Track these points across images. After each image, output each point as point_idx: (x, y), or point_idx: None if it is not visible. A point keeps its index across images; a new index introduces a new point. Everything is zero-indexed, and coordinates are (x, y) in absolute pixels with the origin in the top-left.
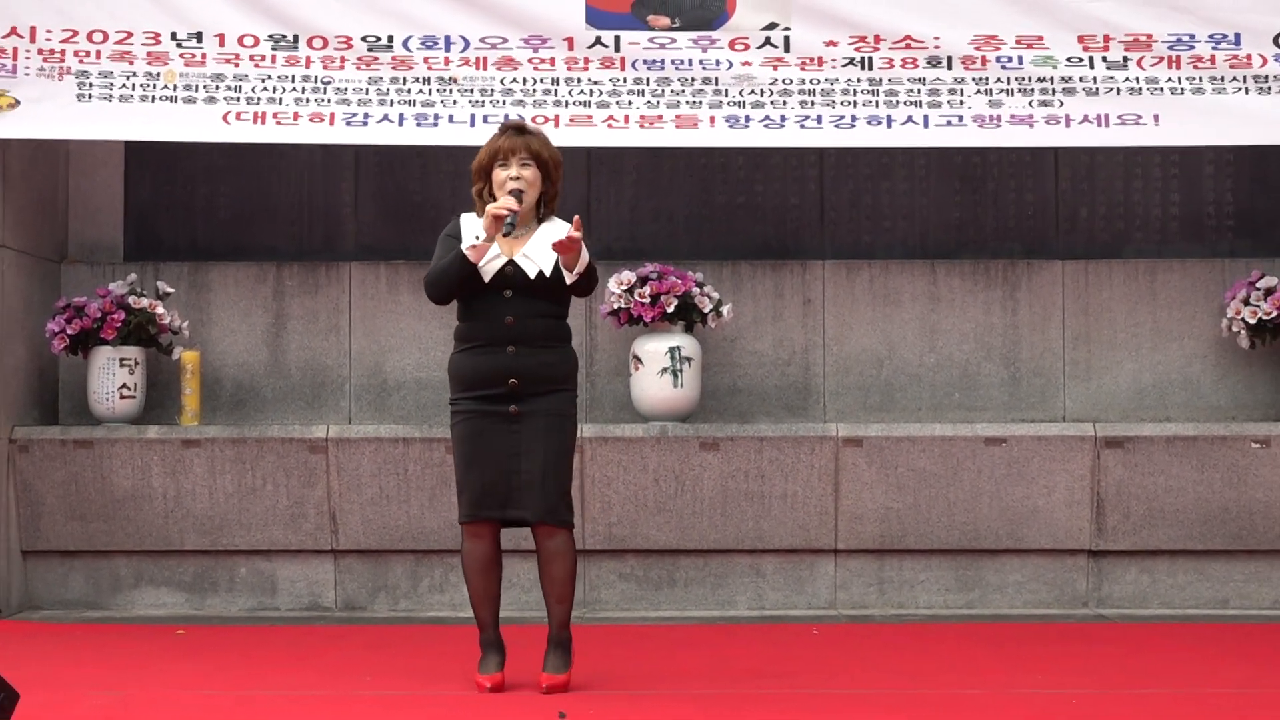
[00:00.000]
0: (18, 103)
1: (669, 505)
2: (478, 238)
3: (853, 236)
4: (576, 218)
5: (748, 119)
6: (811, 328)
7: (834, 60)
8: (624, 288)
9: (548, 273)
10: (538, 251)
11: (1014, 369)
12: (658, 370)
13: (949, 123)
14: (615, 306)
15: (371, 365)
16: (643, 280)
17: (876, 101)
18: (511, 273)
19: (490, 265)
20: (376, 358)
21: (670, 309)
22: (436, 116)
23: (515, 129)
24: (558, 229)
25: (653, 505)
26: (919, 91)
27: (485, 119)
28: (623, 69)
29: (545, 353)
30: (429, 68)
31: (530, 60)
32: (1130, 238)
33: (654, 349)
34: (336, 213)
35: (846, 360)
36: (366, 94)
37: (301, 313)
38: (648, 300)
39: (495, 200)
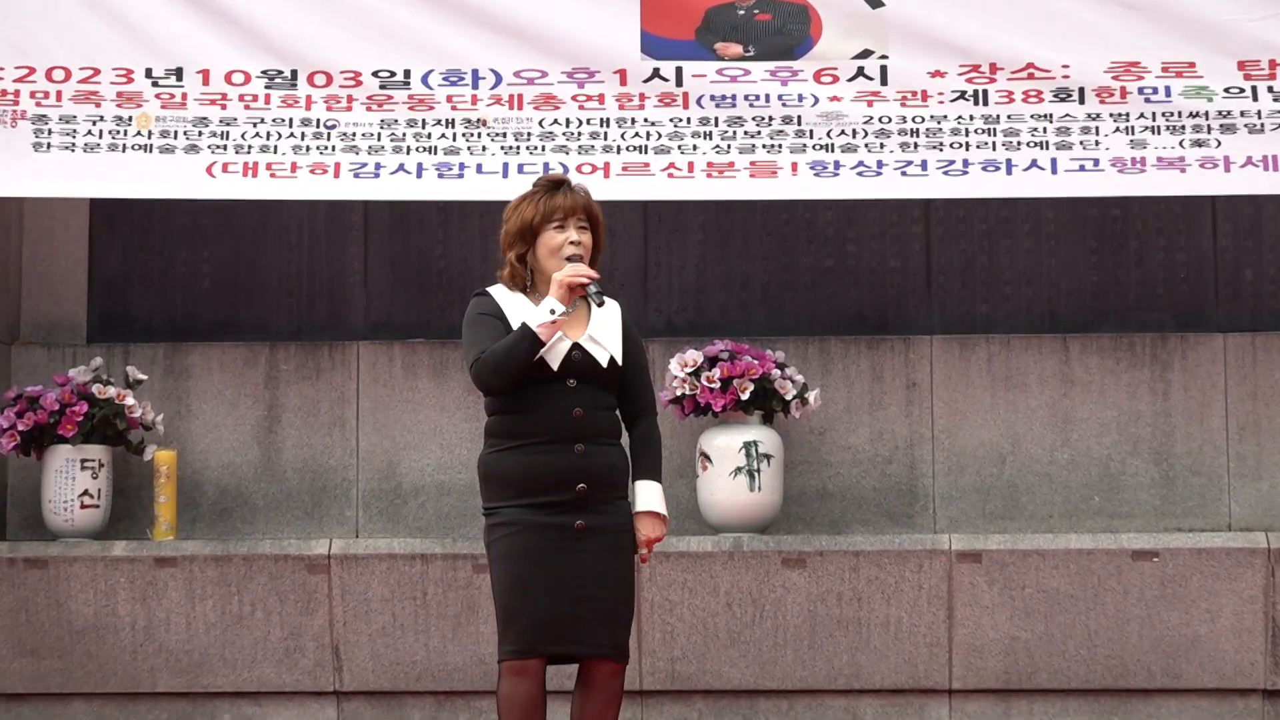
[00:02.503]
0: None
1: (745, 635)
2: (553, 311)
3: (966, 306)
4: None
5: (837, 165)
6: (917, 417)
7: (941, 94)
8: (689, 370)
9: (619, 359)
10: (605, 334)
11: (1166, 466)
12: (730, 470)
13: (1082, 168)
14: (679, 393)
15: (383, 466)
16: (711, 361)
17: (993, 143)
18: (579, 359)
19: (556, 350)
20: (389, 457)
21: (745, 396)
22: (463, 166)
23: (562, 184)
24: (613, 309)
25: (725, 636)
26: (1045, 130)
27: (521, 169)
28: (686, 107)
29: (611, 452)
30: (453, 108)
31: (574, 97)
32: None
33: (726, 444)
34: (342, 282)
35: (961, 457)
36: (378, 140)
37: (299, 403)
38: (718, 385)
39: (542, 269)
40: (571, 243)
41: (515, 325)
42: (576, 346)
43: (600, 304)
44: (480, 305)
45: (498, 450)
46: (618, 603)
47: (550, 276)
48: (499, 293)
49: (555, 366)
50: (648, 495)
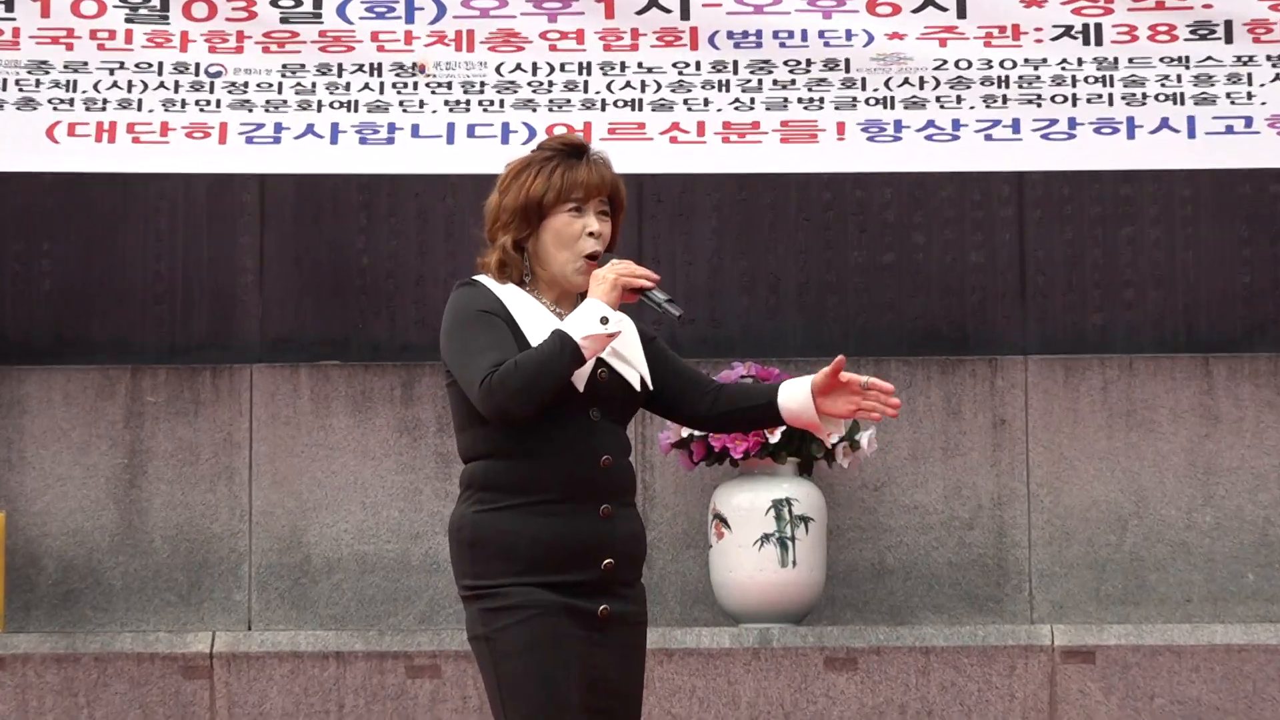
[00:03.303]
0: None
1: None
2: (605, 321)
3: (1073, 316)
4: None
5: (899, 126)
6: (1008, 466)
7: (1039, 29)
8: None
9: (649, 381)
10: (629, 348)
11: None
12: (754, 539)
13: (1229, 129)
14: (684, 433)
15: (285, 533)
16: None
17: (1109, 95)
18: (607, 381)
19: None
20: (293, 520)
21: (775, 438)
22: (393, 128)
23: (583, 151)
24: (624, 318)
25: None
26: (1178, 79)
27: (472, 132)
28: (694, 47)
29: (633, 516)
30: (380, 49)
31: (544, 35)
32: None
33: (749, 504)
34: (230, 286)
35: (1066, 520)
36: (279, 92)
37: (172, 447)
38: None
39: (545, 262)
40: (591, 234)
41: (530, 330)
42: (602, 364)
43: (679, 317)
44: (476, 298)
45: (493, 508)
46: (633, 715)
47: (555, 274)
48: (500, 287)
49: (581, 387)
50: (795, 387)
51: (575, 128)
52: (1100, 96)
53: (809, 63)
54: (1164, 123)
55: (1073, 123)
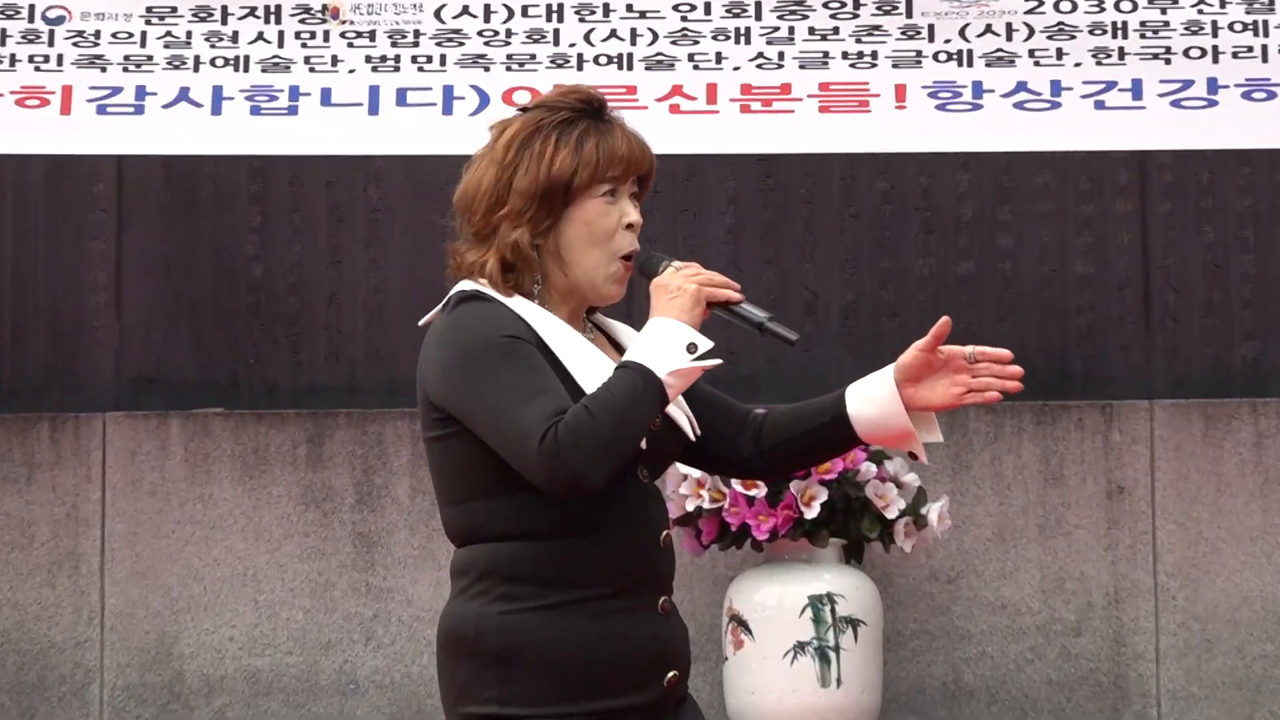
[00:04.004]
0: None
1: None
2: (692, 349)
3: (1215, 347)
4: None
5: (979, 90)
6: (1128, 548)
7: None
8: None
9: (697, 428)
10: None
11: None
12: (786, 649)
13: None
14: (689, 506)
15: (150, 642)
16: None
17: (1262, 47)
18: (659, 431)
19: None
20: (161, 625)
21: (813, 511)
22: (296, 93)
23: (602, 109)
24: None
25: None
26: None
27: (402, 99)
28: None
29: (675, 607)
30: None
31: None
32: None
33: (777, 601)
34: (76, 306)
35: (1206, 622)
36: (142, 45)
37: None
38: (762, 492)
39: (567, 264)
40: (629, 225)
41: (574, 363)
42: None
43: (793, 342)
44: (496, 318)
45: (530, 608)
46: None
47: (579, 280)
48: (506, 300)
49: (644, 443)
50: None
51: (542, 92)
52: (1250, 50)
53: (857, 3)
54: None
55: (1213, 84)
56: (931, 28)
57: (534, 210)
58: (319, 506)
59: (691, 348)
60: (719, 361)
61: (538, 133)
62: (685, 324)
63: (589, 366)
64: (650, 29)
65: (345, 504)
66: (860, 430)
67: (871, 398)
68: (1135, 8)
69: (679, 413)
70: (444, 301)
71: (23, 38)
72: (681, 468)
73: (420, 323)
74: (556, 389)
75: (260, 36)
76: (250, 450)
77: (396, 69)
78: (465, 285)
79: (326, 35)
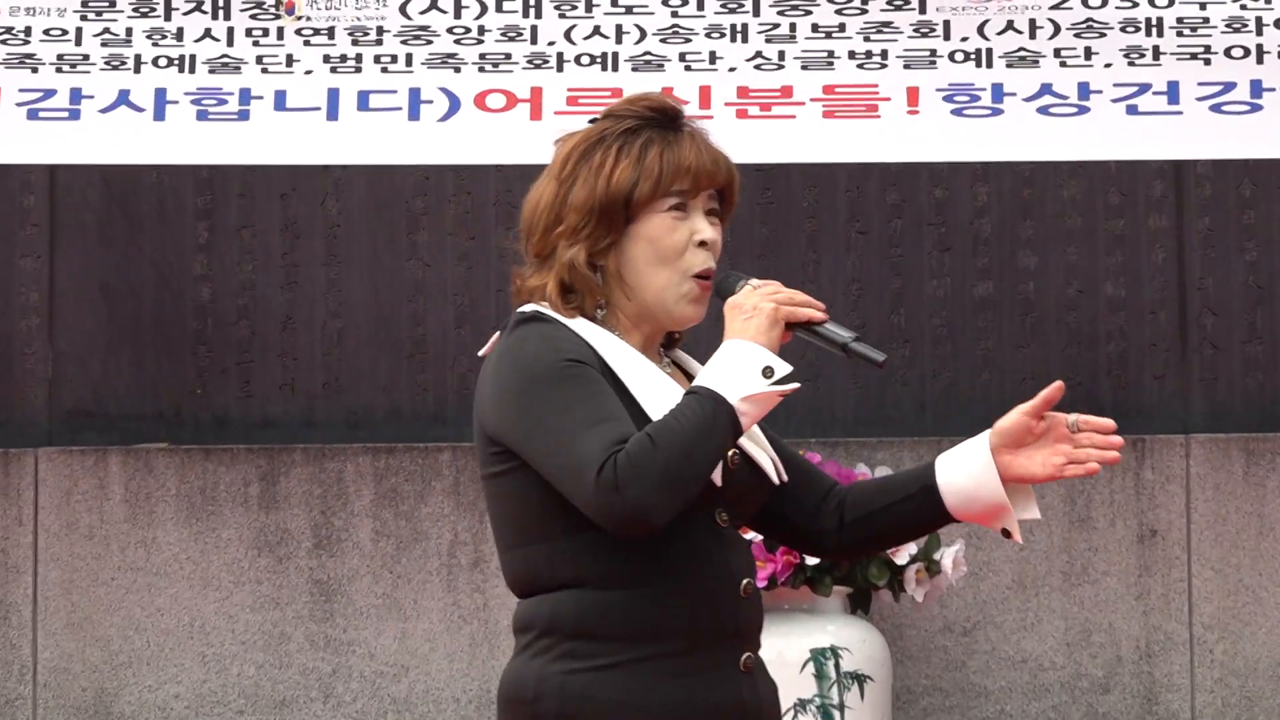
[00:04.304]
0: None
1: None
2: (769, 372)
3: (1258, 376)
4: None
5: (999, 94)
6: (1160, 597)
7: None
8: None
9: (783, 474)
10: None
11: None
12: (784, 707)
13: None
14: None
15: (88, 699)
16: None
17: None
18: (740, 471)
19: None
20: (99, 680)
21: (815, 558)
22: (248, 95)
23: (677, 119)
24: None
25: None
26: None
27: (364, 102)
28: None
29: (762, 663)
30: None
31: None
32: None
33: (776, 655)
34: (5, 331)
35: (1247, 678)
36: (77, 43)
37: None
38: (759, 537)
39: (631, 285)
40: (702, 243)
41: (640, 389)
42: (737, 451)
43: (880, 364)
44: (557, 340)
45: (597, 666)
46: None
47: (650, 303)
48: (569, 323)
49: (719, 479)
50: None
51: (520, 97)
52: None
53: None
54: None
55: (1258, 87)
56: (947, 24)
57: (591, 226)
58: (273, 551)
59: (768, 371)
60: (797, 386)
61: (599, 144)
62: (761, 345)
63: (657, 393)
64: (638, 26)
65: (301, 548)
66: (950, 504)
67: (964, 467)
68: (1172, 3)
69: (762, 455)
70: (503, 325)
71: None
72: None
73: (480, 354)
74: (620, 416)
75: (207, 34)
76: (197, 489)
77: (358, 70)
78: (526, 307)
79: (281, 33)
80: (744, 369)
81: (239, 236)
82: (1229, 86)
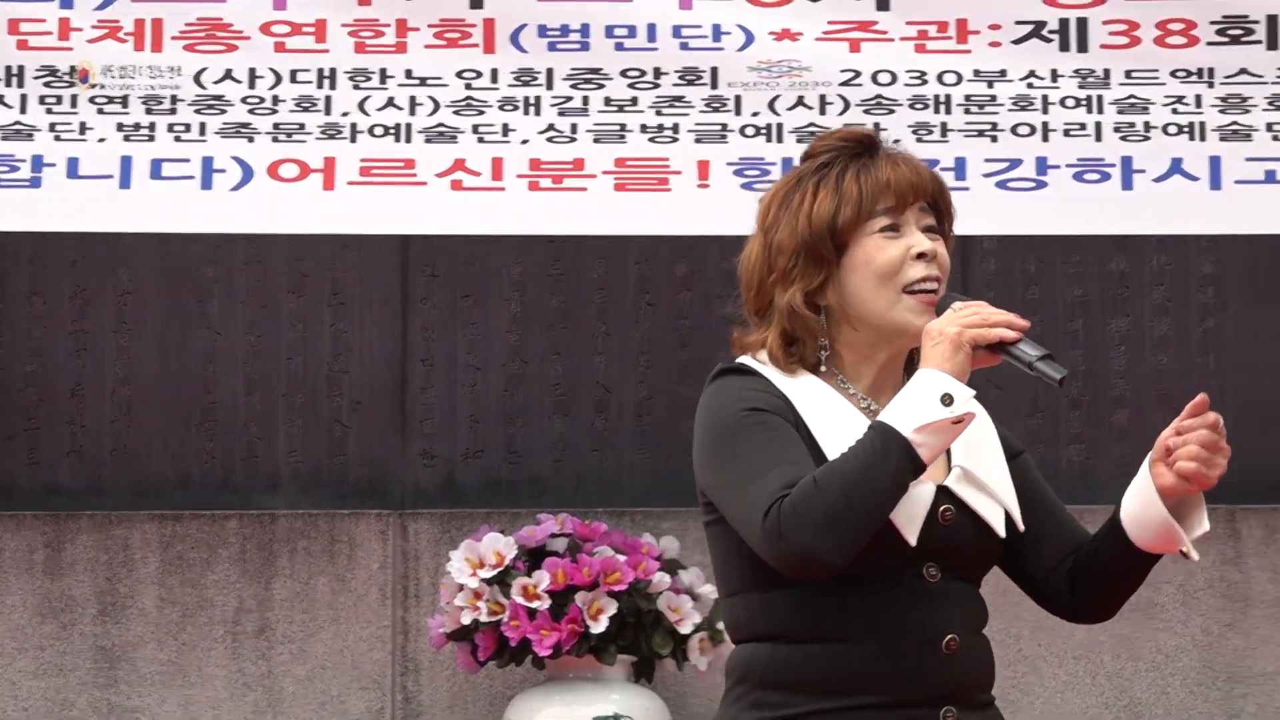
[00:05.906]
0: None
1: None
2: (948, 400)
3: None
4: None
5: (788, 166)
6: None
7: (994, 29)
8: (486, 574)
9: (1019, 520)
10: (986, 466)
11: None
12: None
13: (1270, 177)
14: (465, 620)
15: None
16: (534, 556)
17: (1095, 125)
18: (953, 523)
19: (911, 500)
20: None
21: (600, 625)
22: (40, 163)
23: (873, 143)
24: (983, 419)
25: None
26: (1197, 101)
27: (157, 171)
28: (489, 49)
29: (995, 716)
30: (22, 45)
31: (267, 29)
32: None
33: None
34: None
35: None
36: None
37: None
38: (546, 604)
39: (860, 316)
40: (919, 255)
41: (824, 433)
42: (944, 494)
43: (1059, 382)
44: (743, 390)
45: (781, 717)
46: None
47: (881, 327)
48: (786, 380)
49: (913, 538)
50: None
51: (312, 167)
52: (1083, 127)
53: (658, 72)
54: (1175, 166)
55: (1043, 164)
56: (739, 99)
57: (801, 264)
58: (57, 617)
59: (946, 399)
60: (972, 411)
61: (797, 186)
62: (945, 373)
63: (844, 433)
64: (431, 97)
65: (86, 615)
66: (1131, 533)
67: (1133, 490)
68: (959, 80)
69: (990, 503)
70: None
71: None
72: (459, 575)
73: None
74: (796, 460)
75: (0, 101)
76: (44, 563)
77: (151, 138)
78: (735, 360)
79: (74, 100)
80: (923, 398)
81: (28, 304)
82: (1015, 163)
